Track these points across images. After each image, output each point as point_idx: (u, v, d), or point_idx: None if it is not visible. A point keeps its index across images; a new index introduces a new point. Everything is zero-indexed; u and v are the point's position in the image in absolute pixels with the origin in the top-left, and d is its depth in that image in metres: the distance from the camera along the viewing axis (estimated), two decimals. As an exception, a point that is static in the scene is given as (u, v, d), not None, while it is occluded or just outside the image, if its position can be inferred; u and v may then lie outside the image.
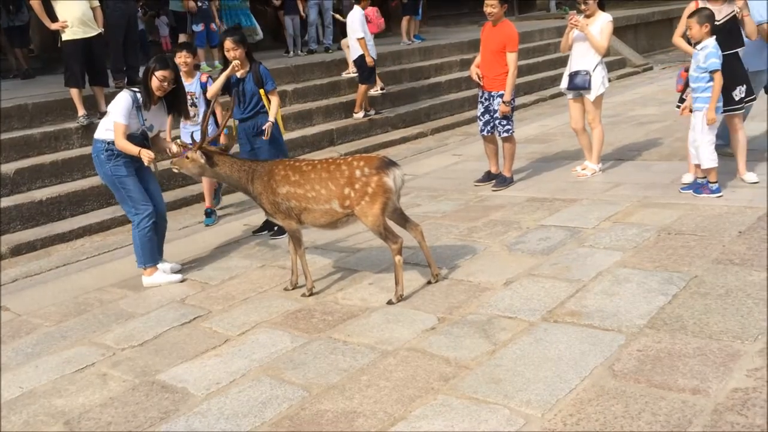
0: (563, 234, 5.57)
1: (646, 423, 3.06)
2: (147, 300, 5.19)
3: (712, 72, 5.75)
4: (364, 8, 10.02)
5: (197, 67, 11.11)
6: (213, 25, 11.49)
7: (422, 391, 3.51)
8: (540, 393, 3.37)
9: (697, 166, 6.04)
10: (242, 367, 3.98)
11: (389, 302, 4.62)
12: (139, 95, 5.26)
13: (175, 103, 5.51)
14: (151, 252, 5.48)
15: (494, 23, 6.91)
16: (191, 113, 6.45)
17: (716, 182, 5.97)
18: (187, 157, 5.00)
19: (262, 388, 3.72)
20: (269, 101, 6.28)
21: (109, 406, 3.72)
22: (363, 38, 9.73)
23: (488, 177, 7.37)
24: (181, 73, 6.36)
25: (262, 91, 6.22)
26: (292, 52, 13.26)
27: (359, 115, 10.31)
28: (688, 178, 6.34)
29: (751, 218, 5.39)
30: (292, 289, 5.06)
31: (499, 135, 7.10)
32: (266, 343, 4.24)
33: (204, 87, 6.64)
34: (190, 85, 6.56)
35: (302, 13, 13.34)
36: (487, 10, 6.83)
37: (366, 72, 9.93)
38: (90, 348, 4.47)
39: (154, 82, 5.25)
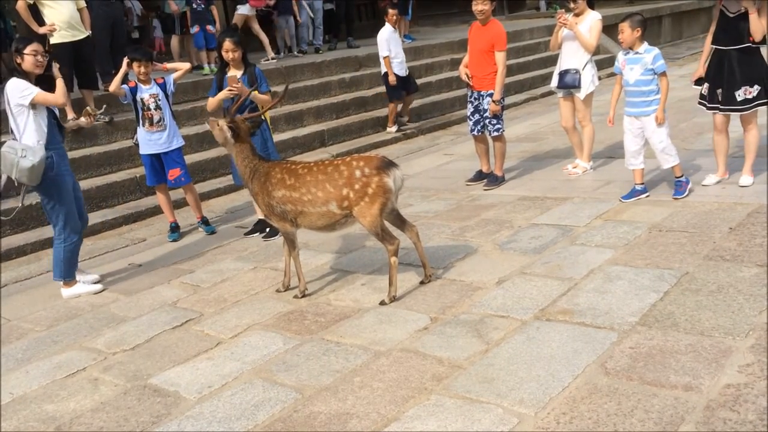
0: (555, 232, 5.58)
1: (638, 420, 3.06)
2: (138, 303, 5.16)
3: (661, 74, 5.80)
4: (393, 24, 9.91)
5: (199, 68, 11.10)
6: (210, 27, 11.27)
7: (415, 392, 3.51)
8: (533, 392, 3.37)
9: (639, 171, 6.11)
10: (234, 369, 3.97)
11: (382, 303, 4.62)
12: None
13: (46, 79, 5.30)
14: (72, 266, 5.45)
15: (483, 22, 6.91)
16: (155, 116, 6.39)
17: (682, 174, 6.03)
18: (218, 124, 4.93)
19: (254, 391, 3.70)
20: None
21: (101, 411, 3.70)
22: (387, 57, 9.74)
23: (480, 176, 7.37)
24: (138, 80, 6.36)
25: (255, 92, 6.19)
26: (282, 53, 13.20)
27: (392, 129, 10.35)
28: (711, 179, 6.24)
29: (741, 214, 5.41)
30: (285, 290, 5.04)
31: (490, 134, 7.11)
32: (258, 346, 4.23)
33: (163, 88, 6.46)
34: (150, 88, 6.39)
35: (297, 15, 13.29)
36: (478, 7, 6.82)
37: (391, 89, 9.99)
38: (81, 352, 4.45)
39: (29, 61, 5.09)
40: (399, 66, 9.96)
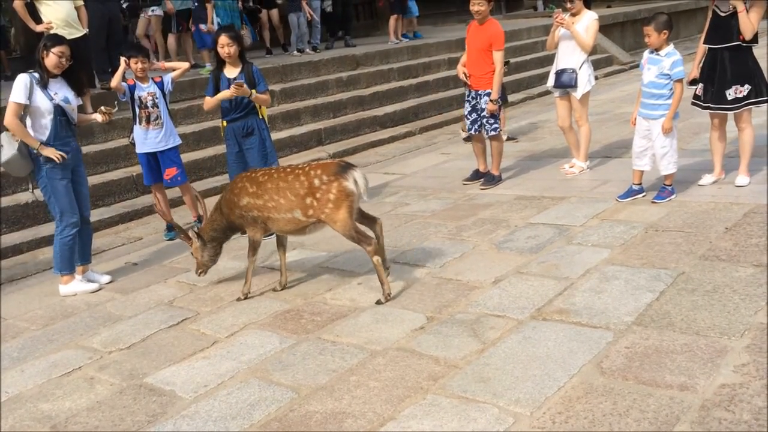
0: (551, 232, 5.58)
1: (634, 420, 3.07)
2: (134, 302, 5.15)
3: (676, 81, 5.74)
4: None
5: (197, 66, 11.01)
6: (202, 26, 10.81)
7: (411, 391, 3.51)
8: (529, 391, 3.38)
9: (639, 172, 6.09)
10: (230, 369, 3.96)
11: (378, 302, 4.62)
12: (35, 74, 5.22)
13: (73, 79, 5.45)
14: (69, 260, 5.45)
15: (480, 22, 6.92)
16: (153, 114, 6.39)
17: (671, 184, 6.01)
18: (193, 253, 5.19)
19: (250, 390, 3.70)
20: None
21: (96, 410, 3.70)
22: None
23: (476, 175, 7.38)
24: (136, 78, 6.37)
25: (253, 91, 6.18)
26: (295, 51, 13.13)
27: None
28: (708, 179, 6.23)
29: (737, 214, 5.42)
30: (281, 289, 5.04)
31: (487, 134, 7.11)
32: (255, 345, 4.23)
33: (161, 86, 6.44)
34: (148, 86, 6.38)
35: (308, 13, 13.22)
36: (475, 8, 6.83)
37: None
38: (77, 351, 4.44)
39: (52, 59, 5.18)
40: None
